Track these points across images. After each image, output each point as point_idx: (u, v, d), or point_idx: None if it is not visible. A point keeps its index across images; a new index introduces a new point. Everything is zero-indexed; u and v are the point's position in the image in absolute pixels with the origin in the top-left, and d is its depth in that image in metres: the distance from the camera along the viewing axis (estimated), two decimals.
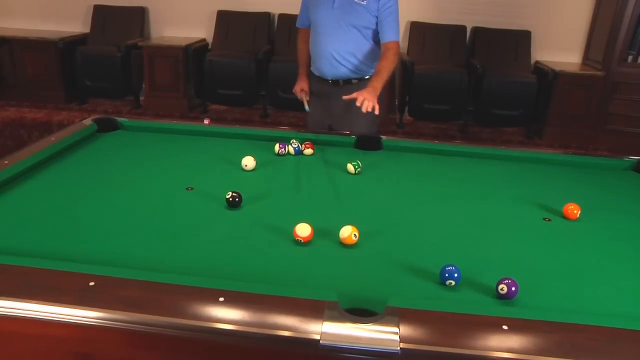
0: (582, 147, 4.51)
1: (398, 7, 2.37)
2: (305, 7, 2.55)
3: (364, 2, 2.31)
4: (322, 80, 2.55)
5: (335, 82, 2.50)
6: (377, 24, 2.37)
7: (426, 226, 1.52)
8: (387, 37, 2.36)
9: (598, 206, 1.70)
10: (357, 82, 2.46)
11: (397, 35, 2.36)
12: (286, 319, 1.00)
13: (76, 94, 5.12)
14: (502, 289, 1.15)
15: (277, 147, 2.02)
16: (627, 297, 1.21)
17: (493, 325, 1.01)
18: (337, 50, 2.41)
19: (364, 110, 2.02)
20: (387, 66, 2.30)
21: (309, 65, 2.64)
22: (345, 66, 2.44)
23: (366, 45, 2.42)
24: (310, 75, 2.64)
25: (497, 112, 4.66)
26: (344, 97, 2.11)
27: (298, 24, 2.65)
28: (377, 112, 2.04)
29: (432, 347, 0.96)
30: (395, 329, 0.98)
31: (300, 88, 2.67)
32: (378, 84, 2.21)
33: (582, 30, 4.90)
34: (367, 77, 2.45)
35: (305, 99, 2.64)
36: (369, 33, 2.40)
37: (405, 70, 4.60)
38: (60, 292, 1.04)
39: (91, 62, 4.88)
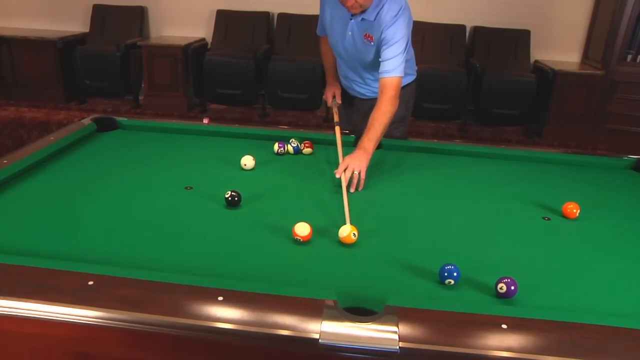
0: (581, 146, 4.51)
1: (407, 41, 1.99)
2: (322, 17, 2.30)
3: (372, 43, 2.05)
4: (346, 92, 2.44)
5: (359, 97, 2.38)
6: None
7: (425, 225, 1.52)
8: (383, 70, 1.96)
9: (597, 205, 1.70)
10: None
11: (396, 69, 1.95)
12: (285, 318, 1.00)
13: (75, 94, 5.11)
14: (501, 288, 1.15)
15: (276, 146, 2.02)
16: (626, 296, 1.21)
17: (492, 324, 1.01)
18: (353, 79, 2.31)
19: (344, 188, 1.67)
20: (381, 119, 1.90)
21: (336, 68, 2.43)
22: (363, 93, 2.33)
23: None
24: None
25: (496, 111, 4.66)
26: (335, 172, 1.75)
27: (318, 32, 2.41)
28: (360, 188, 1.73)
29: (432, 346, 0.96)
30: (395, 328, 0.98)
31: (332, 93, 2.45)
32: (370, 143, 1.84)
33: (581, 30, 4.90)
34: None
35: (335, 108, 2.36)
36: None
37: None
38: (58, 292, 1.04)
39: (90, 62, 4.87)
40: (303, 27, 4.89)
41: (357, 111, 2.40)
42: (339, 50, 2.26)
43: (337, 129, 2.13)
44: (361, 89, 2.34)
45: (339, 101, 2.43)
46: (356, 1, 1.92)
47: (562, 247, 1.43)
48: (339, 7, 2.05)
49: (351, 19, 2.07)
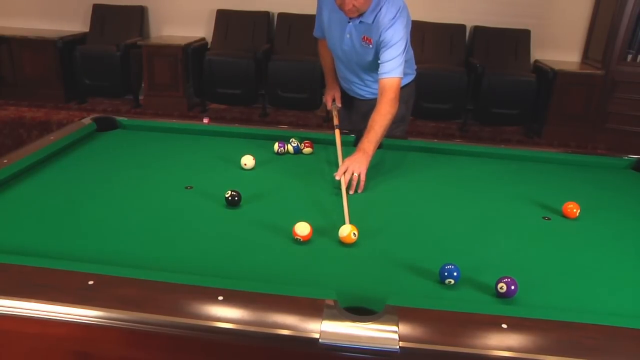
0: (581, 146, 4.50)
1: (406, 42, 1.99)
2: (319, 19, 2.29)
3: (371, 45, 2.05)
4: (345, 93, 2.44)
5: (359, 98, 2.38)
6: None
7: (425, 225, 1.52)
8: (383, 72, 1.96)
9: (597, 205, 1.70)
10: None
11: (396, 70, 1.95)
12: (285, 318, 1.00)
13: (75, 93, 5.11)
14: (501, 288, 1.15)
15: (276, 146, 2.02)
16: (626, 296, 1.21)
17: (492, 323, 1.01)
18: (352, 81, 2.32)
19: (344, 190, 1.65)
20: (381, 121, 1.89)
21: (334, 70, 2.42)
22: (362, 94, 2.34)
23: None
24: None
25: (496, 111, 4.66)
26: (334, 175, 1.73)
27: (315, 34, 2.39)
28: (360, 190, 1.72)
29: (432, 345, 0.96)
30: (395, 328, 0.98)
31: (332, 97, 2.44)
32: (370, 145, 1.83)
33: (581, 29, 4.89)
34: None
35: (334, 111, 2.34)
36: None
37: None
38: (59, 291, 1.04)
39: (90, 61, 4.87)
40: (303, 27, 4.88)
41: (357, 112, 2.40)
42: (337, 53, 2.26)
43: (337, 132, 2.13)
44: (361, 91, 2.34)
45: (339, 104, 2.43)
46: (354, 5, 1.92)
47: (562, 247, 1.43)
48: (336, 10, 2.04)
49: (349, 22, 2.07)
